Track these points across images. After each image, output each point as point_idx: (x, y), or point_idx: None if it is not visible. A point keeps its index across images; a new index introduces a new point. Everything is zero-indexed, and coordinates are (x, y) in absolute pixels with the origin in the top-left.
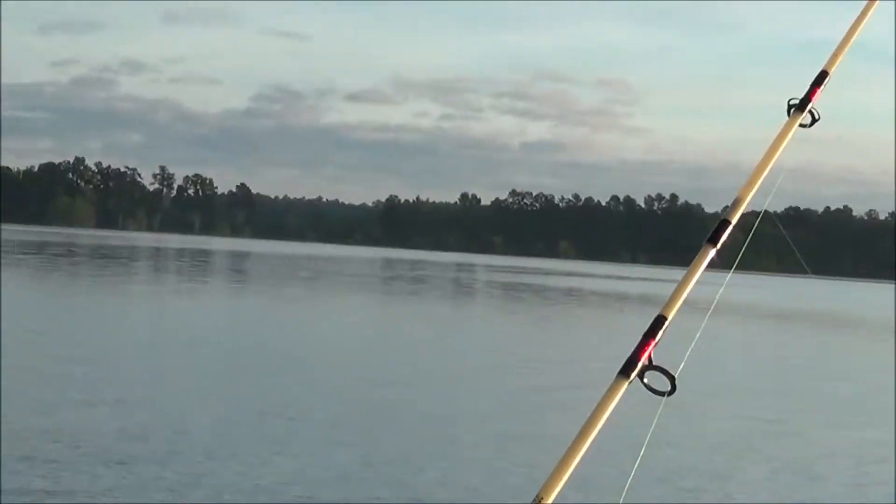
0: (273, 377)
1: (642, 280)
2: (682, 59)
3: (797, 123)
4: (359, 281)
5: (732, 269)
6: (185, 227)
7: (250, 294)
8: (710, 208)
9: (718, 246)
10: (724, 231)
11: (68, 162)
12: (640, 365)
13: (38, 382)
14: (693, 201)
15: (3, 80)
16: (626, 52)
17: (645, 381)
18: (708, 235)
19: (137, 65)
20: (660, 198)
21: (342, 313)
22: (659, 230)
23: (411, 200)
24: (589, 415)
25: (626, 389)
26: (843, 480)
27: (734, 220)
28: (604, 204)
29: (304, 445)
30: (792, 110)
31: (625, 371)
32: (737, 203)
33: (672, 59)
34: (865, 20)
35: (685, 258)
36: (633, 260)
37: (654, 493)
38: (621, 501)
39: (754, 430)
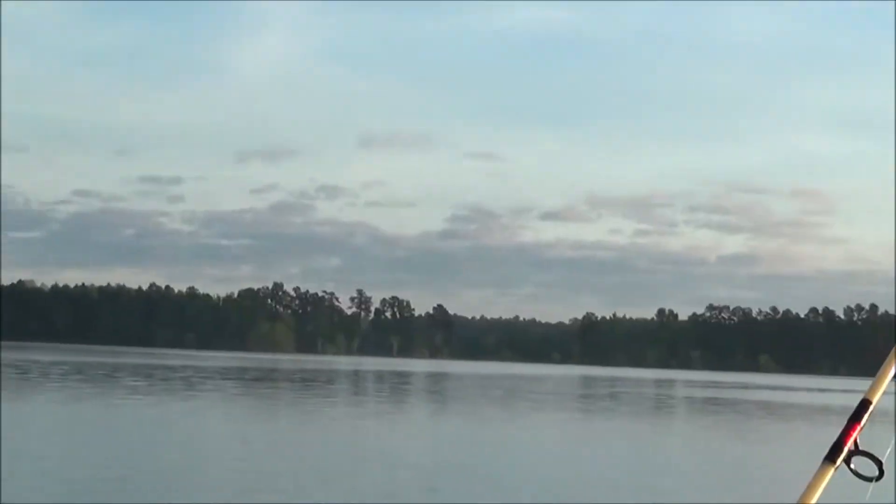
0: (473, 496)
1: (844, 392)
2: (880, 164)
3: None
4: (556, 399)
5: None
6: (384, 350)
7: (450, 414)
8: None
9: None
10: None
11: (267, 287)
12: (846, 450)
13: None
14: (894, 310)
15: (205, 208)
16: (820, 160)
17: (851, 466)
18: None
19: (334, 189)
20: (859, 308)
21: (539, 431)
22: (859, 341)
23: (608, 317)
24: (797, 502)
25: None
26: None
27: None
28: (802, 316)
29: None
30: None
31: (831, 456)
32: None
33: (868, 165)
34: None
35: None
36: (834, 371)
37: None
38: None
39: None
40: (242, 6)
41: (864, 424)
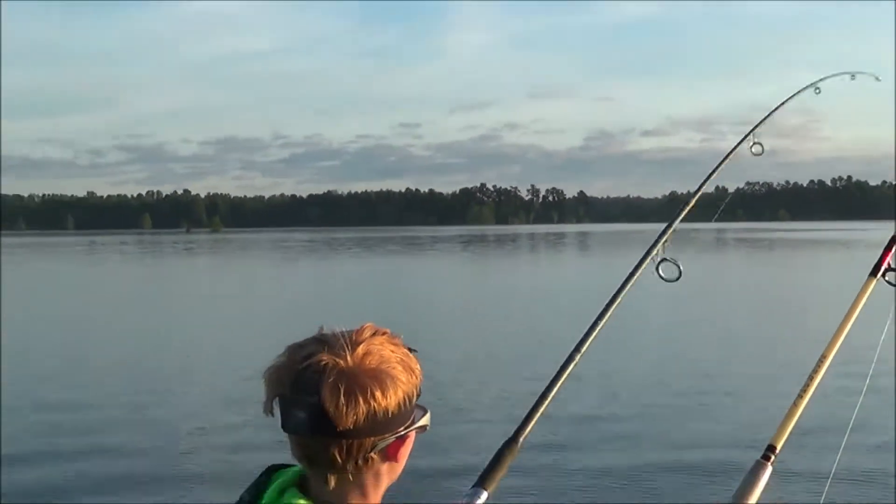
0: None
1: None
2: None
3: None
4: None
5: None
6: (546, 220)
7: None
8: None
9: None
10: None
11: (476, 186)
12: (884, 266)
13: None
14: None
15: (437, 142)
16: None
17: (886, 278)
18: None
19: (513, 125)
20: None
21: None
22: None
23: None
24: (846, 311)
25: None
26: None
27: None
28: None
29: None
30: None
31: (873, 272)
32: None
33: None
34: None
35: None
36: None
37: None
38: (851, 424)
39: None
40: (453, 6)
41: None
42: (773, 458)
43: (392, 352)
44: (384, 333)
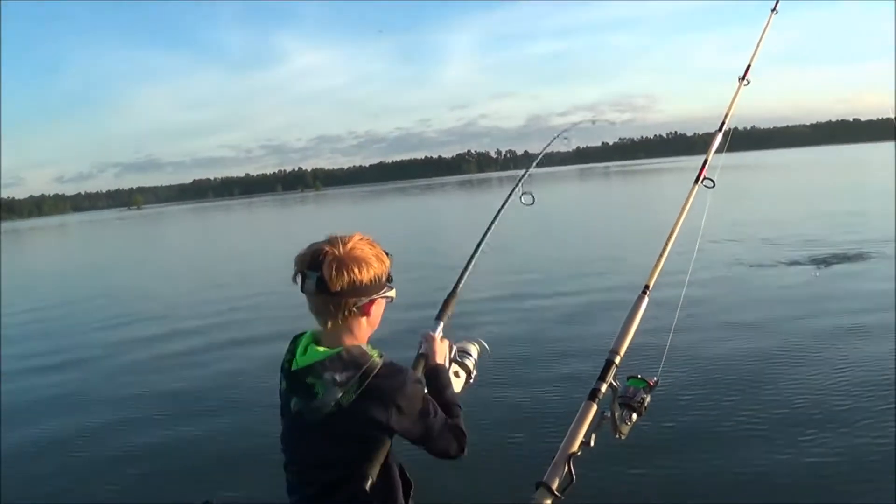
0: None
1: None
2: None
3: None
4: None
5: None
6: None
7: None
8: None
9: None
10: None
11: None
12: (701, 177)
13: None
14: None
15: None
16: None
17: (704, 184)
18: None
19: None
20: None
21: None
22: None
23: None
24: (682, 204)
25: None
26: None
27: None
28: None
29: None
30: None
31: (696, 181)
32: None
33: None
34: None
35: None
36: None
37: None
38: (689, 272)
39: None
40: (446, 52)
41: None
42: (648, 292)
43: (369, 249)
44: (367, 238)
